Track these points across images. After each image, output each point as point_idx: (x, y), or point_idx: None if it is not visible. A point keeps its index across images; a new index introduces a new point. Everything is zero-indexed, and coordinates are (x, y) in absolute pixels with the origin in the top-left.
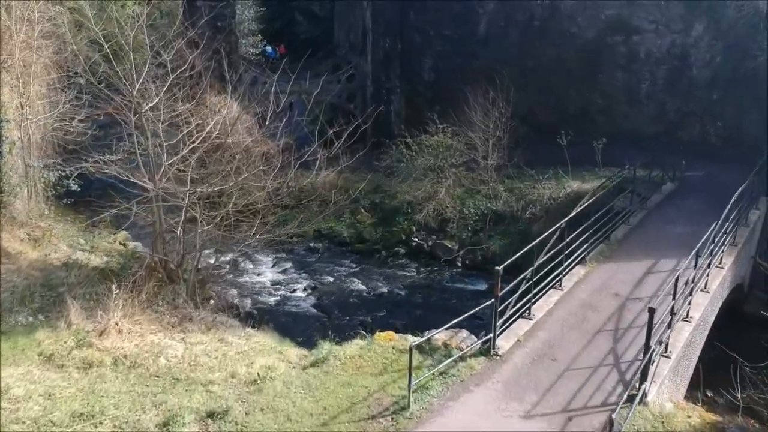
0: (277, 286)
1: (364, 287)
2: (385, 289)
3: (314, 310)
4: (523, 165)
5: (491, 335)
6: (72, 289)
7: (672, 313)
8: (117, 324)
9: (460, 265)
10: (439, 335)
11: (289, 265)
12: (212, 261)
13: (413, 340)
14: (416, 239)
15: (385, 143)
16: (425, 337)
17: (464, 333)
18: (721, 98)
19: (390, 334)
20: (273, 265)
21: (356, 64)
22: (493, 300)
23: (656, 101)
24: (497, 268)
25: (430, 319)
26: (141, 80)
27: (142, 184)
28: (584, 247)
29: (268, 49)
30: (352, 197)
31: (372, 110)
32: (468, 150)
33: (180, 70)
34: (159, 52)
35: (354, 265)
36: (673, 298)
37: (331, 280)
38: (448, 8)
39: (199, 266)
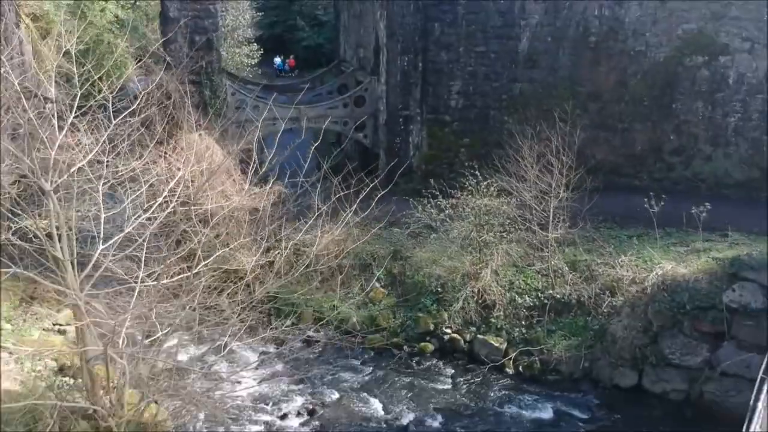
0: (261, 404)
1: (382, 411)
2: (411, 415)
3: None
4: (587, 221)
5: None
6: None
7: None
8: None
9: (511, 372)
10: None
11: (279, 366)
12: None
13: None
14: (449, 331)
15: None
16: None
17: None
18: None
19: None
20: (257, 365)
21: (367, 85)
22: None
23: (749, 140)
24: None
25: None
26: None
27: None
28: None
29: (277, 60)
30: (362, 264)
31: (386, 142)
32: (518, 208)
33: (125, 114)
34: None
35: (367, 369)
36: None
37: (336, 396)
38: (483, 20)
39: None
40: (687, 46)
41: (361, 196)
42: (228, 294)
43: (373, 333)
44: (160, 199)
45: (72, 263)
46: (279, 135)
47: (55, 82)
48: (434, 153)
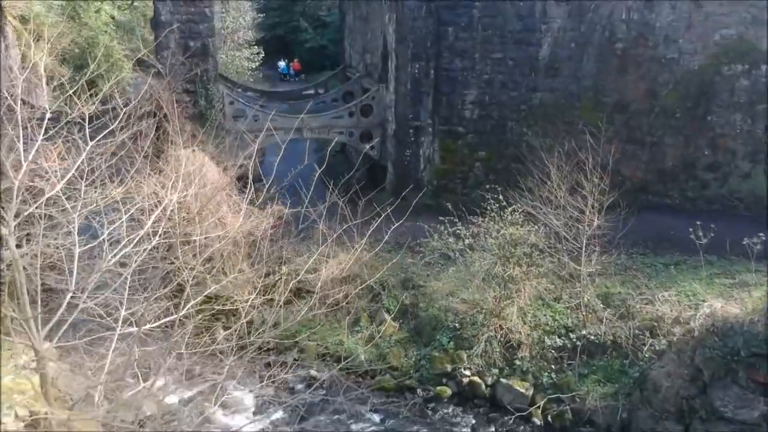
0: None
1: None
2: None
3: None
4: (621, 250)
5: None
6: None
7: None
8: None
9: (539, 423)
10: None
11: (278, 414)
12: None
13: None
14: (469, 373)
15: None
16: None
17: None
18: None
19: None
20: (255, 411)
21: (374, 93)
22: None
23: None
24: None
25: None
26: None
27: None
28: None
29: (281, 64)
30: (370, 293)
31: (395, 155)
32: (545, 236)
33: (103, 134)
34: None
35: (376, 418)
36: None
37: None
38: (501, 24)
39: None
40: (725, 54)
41: (367, 216)
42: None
43: (383, 373)
44: (141, 232)
45: (35, 318)
46: (279, 145)
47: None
48: (447, 167)
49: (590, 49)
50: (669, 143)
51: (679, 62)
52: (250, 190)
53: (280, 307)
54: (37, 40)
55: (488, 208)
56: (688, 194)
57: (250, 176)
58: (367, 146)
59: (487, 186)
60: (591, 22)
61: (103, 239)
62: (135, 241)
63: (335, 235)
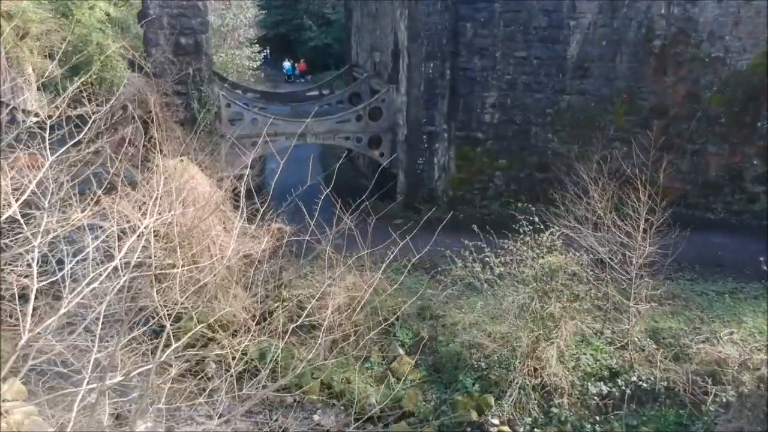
0: None
1: None
2: None
3: None
4: (672, 277)
5: None
6: None
7: None
8: None
9: None
10: None
11: None
12: None
13: None
14: (497, 422)
15: (424, 214)
16: None
17: None
18: None
19: None
20: None
21: (384, 95)
22: None
23: None
24: None
25: None
26: None
27: None
28: None
29: (286, 64)
30: (381, 323)
31: (406, 162)
32: (581, 261)
33: (66, 147)
34: None
35: None
36: None
37: None
38: (525, 20)
39: None
40: None
41: (376, 230)
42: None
43: (397, 419)
44: (110, 266)
45: None
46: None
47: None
48: (464, 176)
49: (624, 47)
50: (712, 152)
51: (725, 62)
52: (242, 210)
53: (279, 351)
54: (23, 38)
55: (520, 229)
56: (734, 208)
57: (242, 191)
58: (376, 153)
59: (509, 198)
60: (625, 17)
61: (66, 273)
62: (103, 276)
63: (349, 261)
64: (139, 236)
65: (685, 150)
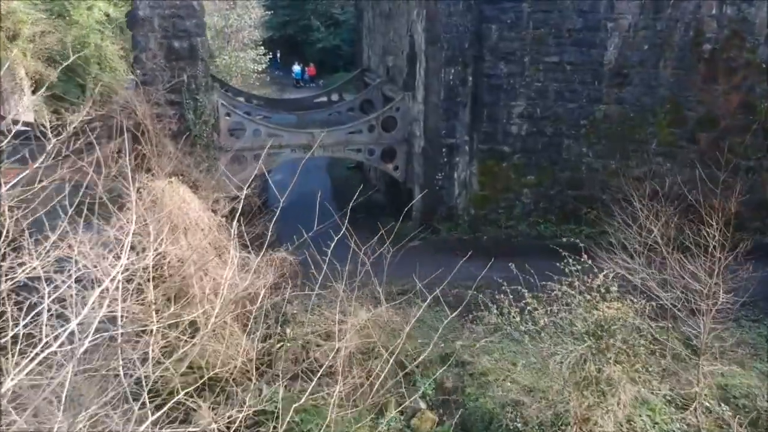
0: None
1: None
2: None
3: None
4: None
5: None
6: None
7: None
8: None
9: None
10: None
11: None
12: None
13: None
14: None
15: (443, 235)
16: None
17: None
18: None
19: None
20: None
21: (398, 103)
22: None
23: None
24: None
25: None
26: None
27: None
28: None
29: (296, 69)
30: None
31: (423, 177)
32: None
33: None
34: None
35: None
36: None
37: None
38: (557, 21)
39: None
40: None
41: (389, 252)
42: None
43: None
44: (70, 327)
45: None
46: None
47: None
48: (487, 194)
49: (669, 51)
50: None
51: None
52: (234, 235)
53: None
54: (14, 39)
55: (566, 267)
56: None
57: (237, 218)
58: (390, 166)
59: (537, 218)
60: (670, 18)
61: (21, 333)
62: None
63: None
64: (106, 288)
65: (738, 167)
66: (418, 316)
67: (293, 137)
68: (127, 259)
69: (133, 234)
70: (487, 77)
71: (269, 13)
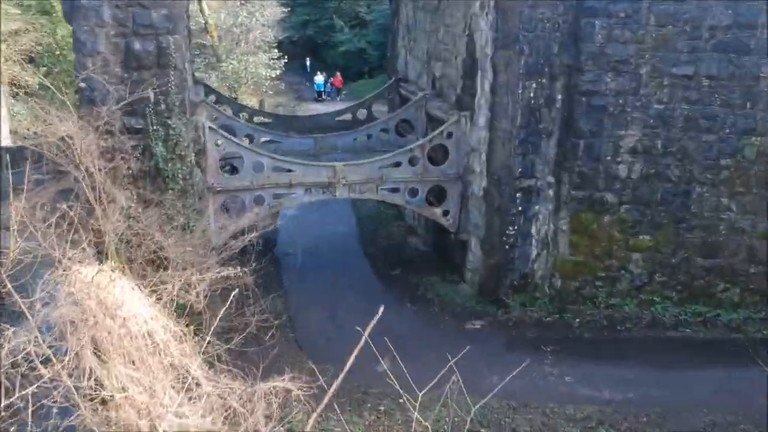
0: None
1: None
2: None
3: None
4: None
5: None
6: None
7: None
8: None
9: None
10: None
11: None
12: None
13: None
14: None
15: (514, 312)
16: None
17: None
18: None
19: None
20: None
21: (451, 126)
22: None
23: None
24: None
25: None
26: None
27: None
28: None
29: (318, 79)
30: None
31: (485, 229)
32: None
33: None
34: None
35: None
36: None
37: None
38: (693, 16)
39: None
40: None
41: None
42: None
43: None
44: None
45: None
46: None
47: None
48: (581, 259)
49: None
50: None
51: None
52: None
53: None
54: None
55: None
56: None
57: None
58: (438, 211)
59: (652, 295)
60: None
61: None
62: None
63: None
64: None
65: None
66: None
67: (308, 172)
68: None
69: None
70: (585, 95)
71: (286, 11)
